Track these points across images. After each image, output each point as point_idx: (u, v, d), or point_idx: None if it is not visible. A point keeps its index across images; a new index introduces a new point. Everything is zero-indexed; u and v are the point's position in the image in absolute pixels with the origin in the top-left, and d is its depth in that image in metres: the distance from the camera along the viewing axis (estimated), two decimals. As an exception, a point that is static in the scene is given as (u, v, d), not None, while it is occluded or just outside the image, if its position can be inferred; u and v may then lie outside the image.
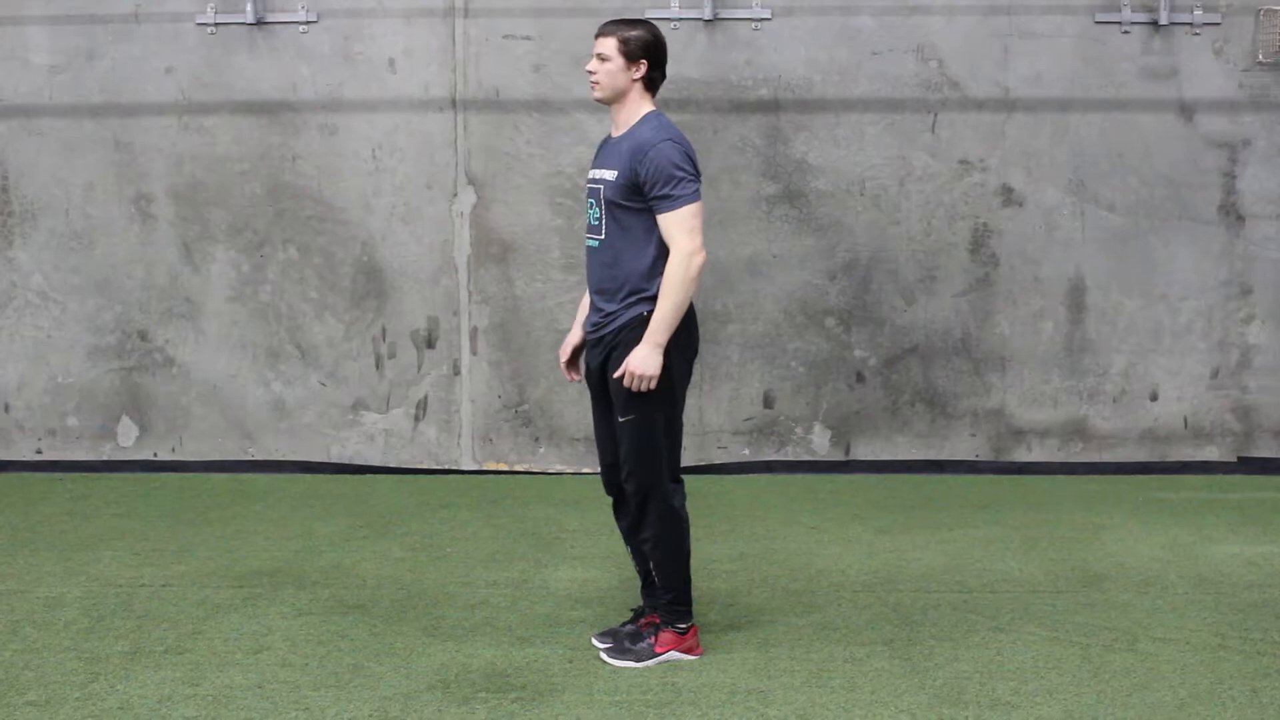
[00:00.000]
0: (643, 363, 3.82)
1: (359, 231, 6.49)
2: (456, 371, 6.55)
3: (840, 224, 6.41)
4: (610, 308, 3.95)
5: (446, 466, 6.59)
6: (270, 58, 6.41)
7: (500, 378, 6.54)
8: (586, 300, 4.12)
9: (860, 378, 6.50)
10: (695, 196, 3.83)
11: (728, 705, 3.67)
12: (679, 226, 3.81)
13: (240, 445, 6.64)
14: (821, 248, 6.42)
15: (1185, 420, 6.51)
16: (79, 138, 6.49)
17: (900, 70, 6.32)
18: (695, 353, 4.04)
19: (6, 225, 6.58)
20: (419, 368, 6.56)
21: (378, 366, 6.56)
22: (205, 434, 6.64)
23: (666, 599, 4.04)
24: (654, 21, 4.06)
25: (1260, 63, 6.26)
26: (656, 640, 4.03)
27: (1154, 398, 6.49)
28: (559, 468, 6.55)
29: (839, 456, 6.55)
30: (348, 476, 6.54)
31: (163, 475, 6.56)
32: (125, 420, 6.65)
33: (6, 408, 6.69)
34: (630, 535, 4.12)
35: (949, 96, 6.34)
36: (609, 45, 3.91)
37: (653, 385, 3.84)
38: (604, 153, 4.03)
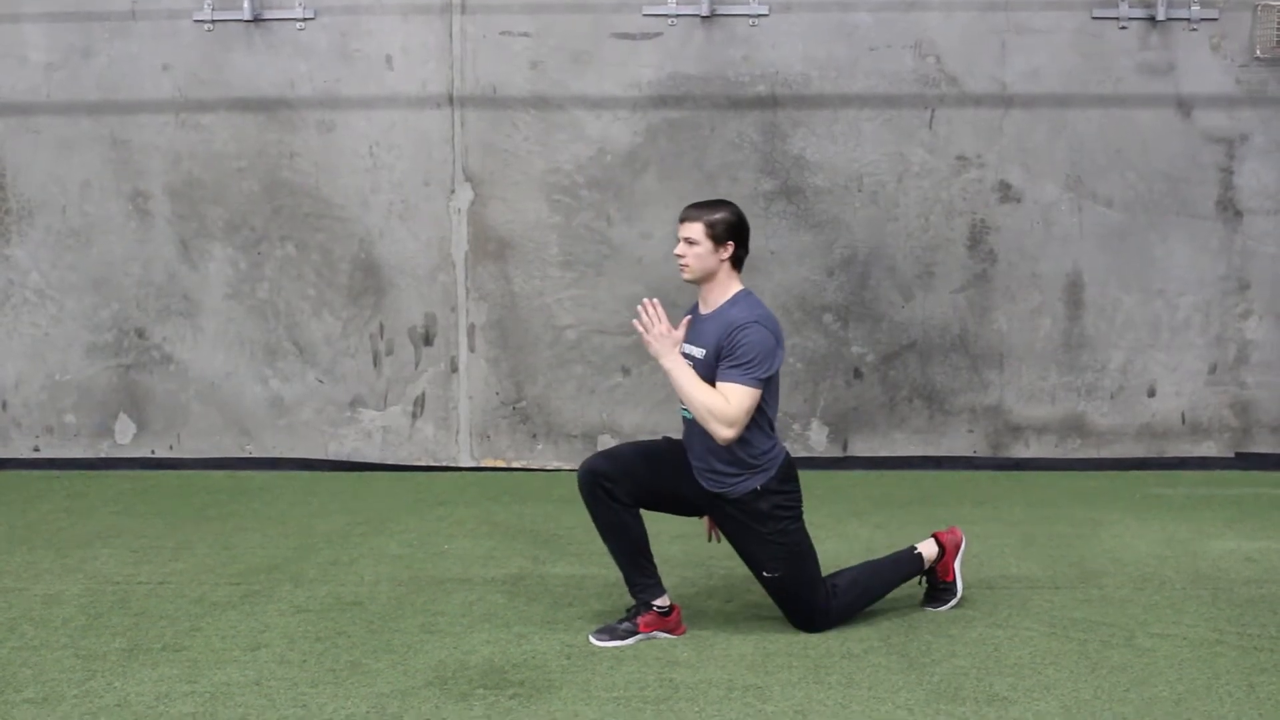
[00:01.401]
0: (658, 348, 3.99)
1: (356, 228, 6.49)
2: (454, 368, 6.54)
3: (838, 220, 6.41)
4: (725, 480, 4.11)
5: (444, 463, 6.59)
6: (267, 55, 6.40)
7: (498, 375, 6.54)
8: None
9: (858, 374, 6.50)
10: (760, 386, 3.97)
11: (725, 701, 3.67)
12: (736, 399, 3.95)
13: (238, 442, 6.63)
14: (819, 244, 6.42)
15: (1183, 416, 6.51)
16: (76, 135, 6.49)
17: (898, 66, 6.32)
18: (800, 499, 4.21)
19: (4, 223, 6.57)
20: (416, 365, 6.55)
21: (375, 364, 6.56)
22: (203, 431, 6.63)
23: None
24: (734, 202, 4.17)
25: (1258, 58, 6.26)
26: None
27: (1152, 393, 6.49)
28: (556, 465, 6.55)
29: (836, 453, 6.55)
30: (345, 474, 6.54)
31: (160, 473, 6.56)
32: (123, 418, 6.65)
33: (4, 405, 6.69)
34: (607, 534, 4.15)
35: (946, 92, 6.33)
36: (696, 230, 4.03)
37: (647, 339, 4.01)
38: (691, 329, 4.13)
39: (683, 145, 6.37)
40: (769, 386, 4.05)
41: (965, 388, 6.50)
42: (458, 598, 4.58)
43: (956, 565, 4.41)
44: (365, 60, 6.40)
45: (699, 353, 4.06)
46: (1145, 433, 6.52)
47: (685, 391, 3.99)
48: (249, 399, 6.61)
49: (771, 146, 6.38)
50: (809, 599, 4.18)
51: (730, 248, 4.06)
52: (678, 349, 4.03)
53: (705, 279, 4.09)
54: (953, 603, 4.39)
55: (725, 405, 3.94)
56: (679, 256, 4.08)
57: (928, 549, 4.40)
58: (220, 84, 6.43)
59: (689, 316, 4.18)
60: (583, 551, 5.13)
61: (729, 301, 4.07)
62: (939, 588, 4.41)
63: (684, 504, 4.23)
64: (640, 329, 4.02)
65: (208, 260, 6.54)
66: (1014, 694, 3.69)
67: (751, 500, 4.09)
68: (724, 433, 3.96)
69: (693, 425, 4.11)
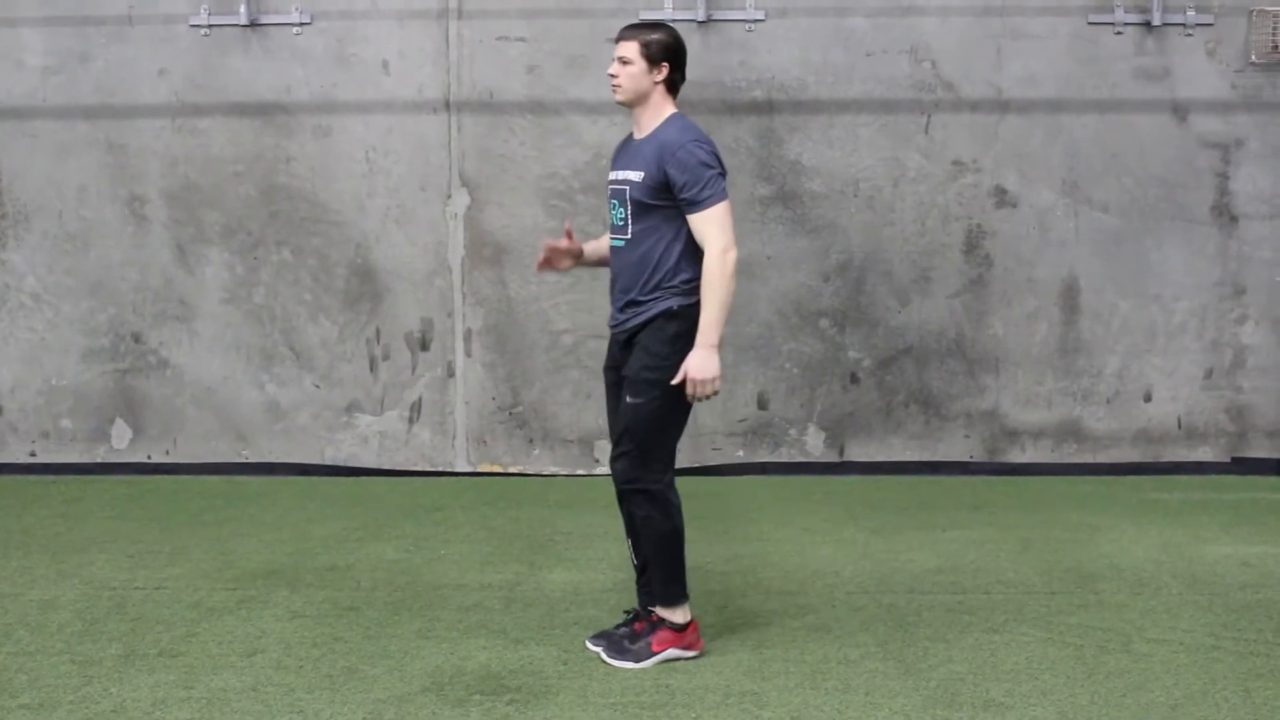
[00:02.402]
0: (700, 367, 3.87)
1: (353, 233, 6.49)
2: (450, 373, 6.54)
3: (834, 225, 6.41)
4: (638, 304, 3.99)
5: (441, 469, 6.59)
6: (264, 59, 6.41)
7: (494, 380, 6.54)
8: (604, 241, 4.26)
9: (854, 379, 6.50)
10: (724, 194, 3.90)
11: (722, 707, 3.67)
12: (713, 224, 3.87)
13: (234, 447, 6.63)
14: (815, 249, 6.43)
15: (1179, 421, 6.51)
16: (73, 139, 6.48)
17: (894, 71, 6.33)
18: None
19: (0, 227, 6.57)
20: (413, 370, 6.55)
21: (372, 369, 6.56)
22: (199, 436, 6.63)
23: (661, 581, 4.03)
24: (673, 25, 4.09)
25: (1253, 63, 6.27)
26: (654, 639, 4.03)
27: (1148, 398, 6.50)
28: (553, 470, 6.55)
29: (833, 458, 6.55)
30: (342, 479, 6.53)
31: (157, 478, 6.55)
32: (119, 423, 6.64)
33: (0, 410, 6.68)
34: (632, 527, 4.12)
35: (942, 98, 6.34)
36: (631, 49, 3.98)
37: (714, 390, 3.89)
38: (625, 154, 4.08)
39: (679, 150, 6.36)
40: None
41: (962, 393, 6.50)
42: (454, 603, 4.57)
43: (665, 653, 4.00)
44: (362, 65, 6.40)
45: (636, 175, 3.96)
46: (1141, 438, 6.52)
47: (720, 317, 3.85)
48: (245, 404, 6.60)
49: (768, 152, 6.38)
50: (652, 445, 3.97)
51: (665, 69, 3.98)
52: (698, 358, 3.87)
53: (638, 101, 4.00)
54: (624, 664, 3.98)
55: (713, 256, 3.84)
56: (612, 76, 4.00)
57: (679, 613, 4.04)
58: (217, 89, 6.43)
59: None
60: (579, 557, 5.13)
61: (662, 125, 3.99)
62: (630, 634, 4.05)
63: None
64: (691, 390, 3.90)
65: (204, 265, 6.54)
66: (1010, 700, 3.70)
67: (663, 320, 3.95)
68: (732, 256, 3.85)
69: (618, 254, 4.04)
